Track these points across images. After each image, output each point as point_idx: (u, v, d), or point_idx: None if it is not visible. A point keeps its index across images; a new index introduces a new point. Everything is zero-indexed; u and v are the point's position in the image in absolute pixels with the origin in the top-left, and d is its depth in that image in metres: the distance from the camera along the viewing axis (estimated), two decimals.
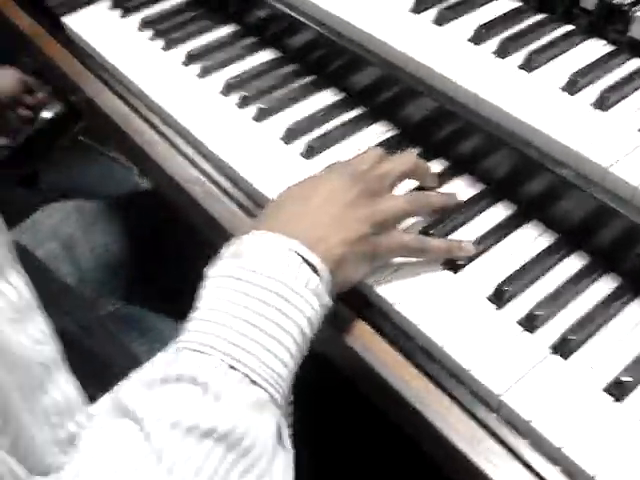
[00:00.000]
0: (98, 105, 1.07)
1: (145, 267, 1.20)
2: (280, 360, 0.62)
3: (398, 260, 0.78)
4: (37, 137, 1.51)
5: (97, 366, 0.86)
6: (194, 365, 0.60)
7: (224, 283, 0.65)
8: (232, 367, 0.60)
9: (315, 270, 0.67)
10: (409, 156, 0.83)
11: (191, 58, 1.07)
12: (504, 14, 0.94)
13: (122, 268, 1.18)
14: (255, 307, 0.63)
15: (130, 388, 0.61)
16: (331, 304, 0.69)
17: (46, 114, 1.51)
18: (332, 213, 0.73)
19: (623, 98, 0.82)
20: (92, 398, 0.67)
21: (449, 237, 0.81)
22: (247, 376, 0.60)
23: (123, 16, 1.19)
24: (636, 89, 0.83)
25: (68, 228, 1.17)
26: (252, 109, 0.98)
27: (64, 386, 0.62)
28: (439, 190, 0.86)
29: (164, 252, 1.20)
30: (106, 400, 0.66)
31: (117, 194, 1.74)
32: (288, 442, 0.63)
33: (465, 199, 0.84)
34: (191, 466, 0.55)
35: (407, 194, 0.81)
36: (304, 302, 0.65)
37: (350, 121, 0.95)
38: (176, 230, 1.15)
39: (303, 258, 0.67)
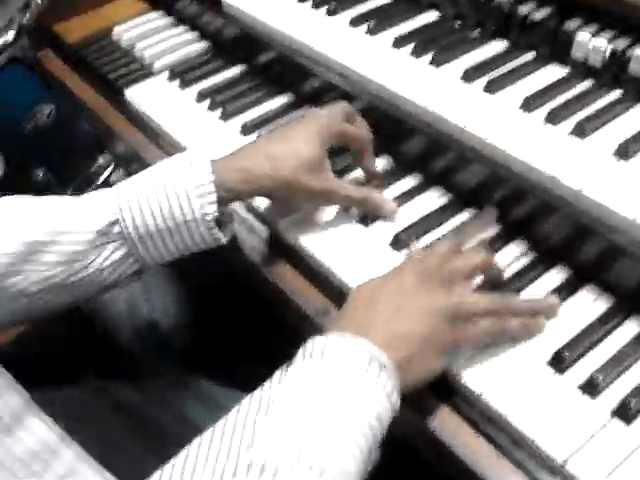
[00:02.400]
0: None
1: (205, 331, 1.22)
2: (354, 458, 0.63)
3: None
4: None
5: (156, 435, 0.88)
6: (265, 457, 0.61)
7: (304, 383, 0.67)
8: (310, 468, 0.61)
9: (389, 372, 0.69)
10: (478, 252, 0.82)
11: (248, 128, 1.11)
12: (552, 83, 0.96)
13: (181, 332, 1.20)
14: (333, 407, 0.65)
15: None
16: (399, 403, 0.70)
17: None
18: (405, 310, 0.74)
19: None
20: (151, 466, 0.70)
21: None
22: (323, 476, 0.61)
23: (181, 88, 1.24)
24: None
25: (128, 289, 1.20)
26: None
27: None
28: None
29: (224, 316, 1.22)
30: (178, 467, 0.69)
31: None
32: None
33: (521, 265, 0.86)
34: None
35: (492, 295, 0.80)
36: (379, 405, 0.67)
37: (408, 191, 0.98)
38: (235, 292, 1.18)
39: (379, 362, 0.68)
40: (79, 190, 1.96)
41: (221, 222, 0.87)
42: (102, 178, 1.65)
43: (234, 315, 1.19)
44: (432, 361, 0.74)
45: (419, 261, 0.79)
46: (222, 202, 0.86)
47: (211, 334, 1.15)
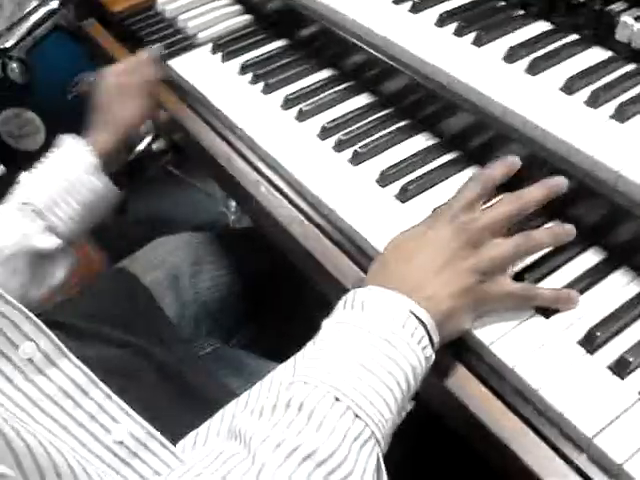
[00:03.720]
0: (202, 145, 1.14)
1: (247, 309, 1.24)
2: (385, 402, 0.66)
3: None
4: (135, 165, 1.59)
5: (194, 399, 0.91)
6: (303, 394, 0.64)
7: (342, 328, 0.71)
8: (337, 399, 0.64)
9: (424, 325, 0.72)
10: (509, 199, 0.83)
11: (289, 102, 1.13)
12: (595, 64, 0.97)
13: (222, 309, 1.23)
14: (367, 352, 0.68)
15: (243, 415, 0.66)
16: (434, 358, 0.73)
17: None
18: (437, 267, 0.76)
19: None
20: (189, 427, 0.73)
21: (541, 283, 0.83)
22: (351, 409, 0.64)
23: (223, 60, 1.26)
24: None
25: (176, 259, 1.22)
26: (348, 153, 1.03)
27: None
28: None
29: (266, 295, 1.25)
30: (214, 426, 0.72)
31: (204, 223, 1.80)
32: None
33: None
34: None
35: (513, 238, 0.81)
36: (413, 355, 0.70)
37: (444, 165, 0.99)
38: (278, 273, 1.20)
39: (415, 315, 0.72)
40: None
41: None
42: (142, 146, 1.67)
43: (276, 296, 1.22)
44: (464, 318, 0.77)
45: (450, 214, 0.80)
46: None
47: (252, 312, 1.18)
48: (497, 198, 0.84)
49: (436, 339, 0.73)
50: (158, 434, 0.71)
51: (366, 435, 0.64)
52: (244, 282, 1.25)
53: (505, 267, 0.81)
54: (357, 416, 0.64)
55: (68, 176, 1.08)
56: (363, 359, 0.67)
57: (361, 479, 0.62)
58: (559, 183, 0.84)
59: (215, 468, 0.60)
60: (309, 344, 0.72)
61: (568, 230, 0.84)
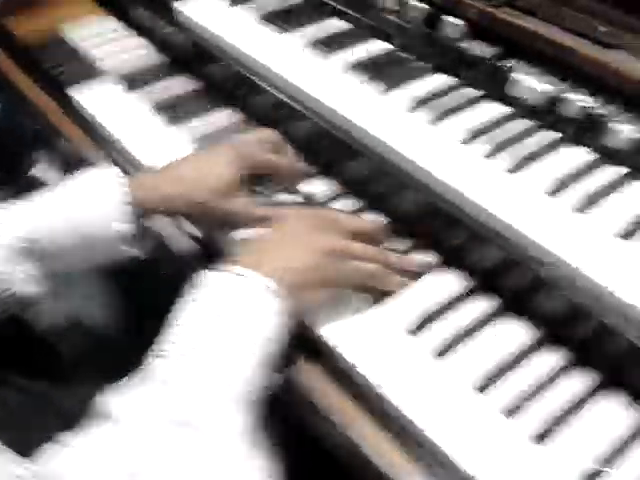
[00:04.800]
0: None
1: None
2: (250, 365, 0.72)
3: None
4: None
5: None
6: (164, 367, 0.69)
7: (194, 305, 0.75)
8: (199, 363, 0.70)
9: (277, 295, 0.78)
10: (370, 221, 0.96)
11: (195, 138, 1.13)
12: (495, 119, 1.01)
13: (121, 346, 1.20)
14: (222, 324, 0.74)
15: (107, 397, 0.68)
16: (288, 323, 0.79)
17: None
18: (287, 248, 0.84)
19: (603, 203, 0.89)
20: None
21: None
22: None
23: (127, 91, 1.25)
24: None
25: (74, 299, 1.19)
26: None
27: None
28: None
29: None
30: None
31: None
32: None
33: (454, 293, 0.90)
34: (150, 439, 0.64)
35: (367, 246, 0.89)
36: (272, 322, 0.76)
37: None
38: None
39: (267, 287, 0.77)
40: (26, 186, 1.94)
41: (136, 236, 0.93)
42: (42, 175, 1.64)
43: None
44: (316, 292, 0.84)
45: (314, 209, 0.95)
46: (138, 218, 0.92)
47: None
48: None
49: (285, 307, 0.78)
50: None
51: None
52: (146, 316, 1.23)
53: (351, 256, 0.86)
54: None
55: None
56: (223, 334, 0.73)
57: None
58: (423, 264, 0.93)
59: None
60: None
61: (419, 261, 0.93)
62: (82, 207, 0.89)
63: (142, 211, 0.92)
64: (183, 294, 0.76)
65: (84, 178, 0.93)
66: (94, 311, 1.20)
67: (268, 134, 1.03)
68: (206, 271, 0.78)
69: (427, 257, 0.94)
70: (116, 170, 0.94)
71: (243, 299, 0.76)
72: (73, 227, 0.88)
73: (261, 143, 1.01)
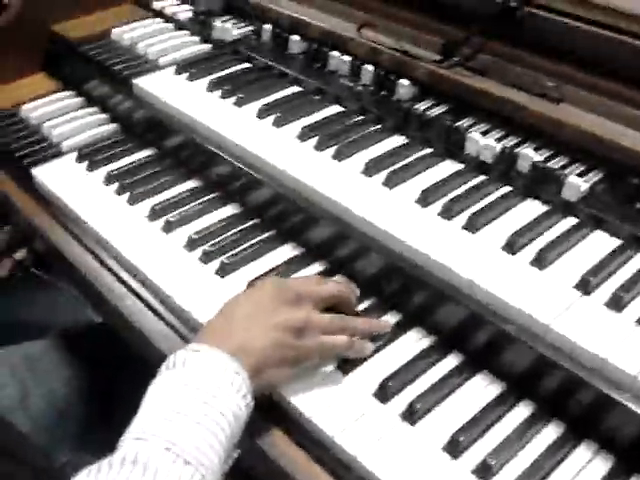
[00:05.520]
0: (66, 258, 1.12)
1: (99, 409, 1.21)
2: (211, 446, 0.71)
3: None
4: None
5: None
6: (135, 449, 0.69)
7: (165, 386, 0.76)
8: (168, 449, 0.69)
9: (242, 376, 0.77)
10: (337, 284, 0.94)
11: (155, 213, 1.13)
12: (447, 177, 1.03)
13: (73, 413, 1.19)
14: (190, 403, 0.73)
15: (81, 476, 0.68)
16: (253, 404, 0.78)
17: None
18: (253, 321, 0.83)
19: (559, 256, 0.90)
20: None
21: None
22: (180, 457, 0.68)
23: (89, 170, 1.25)
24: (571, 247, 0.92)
25: (20, 375, 1.19)
26: (215, 263, 1.03)
27: None
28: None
29: (117, 392, 1.22)
30: None
31: (67, 326, 1.74)
32: None
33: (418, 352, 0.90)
34: None
35: (332, 314, 0.89)
36: (233, 402, 0.75)
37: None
38: (129, 368, 1.18)
39: (233, 368, 0.77)
40: None
41: None
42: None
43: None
44: (280, 370, 0.83)
45: (279, 280, 0.91)
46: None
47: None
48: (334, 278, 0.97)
49: (248, 388, 0.77)
50: None
51: (197, 478, 0.68)
52: (92, 383, 1.23)
53: (317, 330, 0.86)
54: (187, 462, 0.68)
55: None
56: (187, 410, 0.72)
57: None
58: (383, 327, 0.92)
59: None
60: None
61: (384, 325, 0.92)
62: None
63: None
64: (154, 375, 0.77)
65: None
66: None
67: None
68: (176, 353, 0.78)
69: (390, 318, 0.94)
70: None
71: (205, 378, 0.75)
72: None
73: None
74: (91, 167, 1.25)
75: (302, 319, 0.85)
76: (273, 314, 0.84)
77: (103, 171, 1.23)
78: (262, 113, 1.18)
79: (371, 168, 1.04)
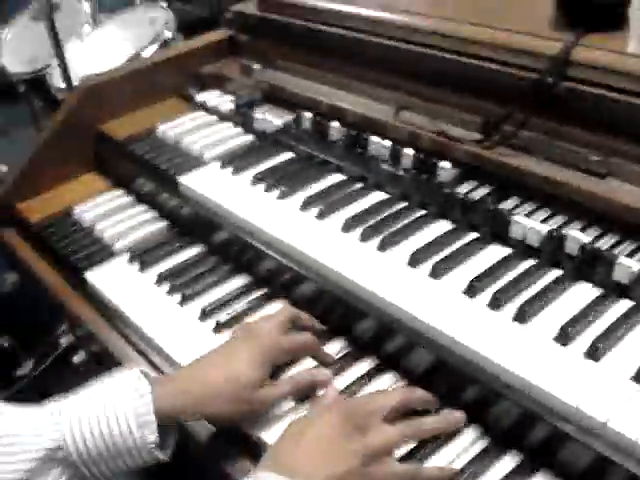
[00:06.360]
0: (118, 359, 1.14)
1: None
2: None
3: None
4: None
5: None
6: None
7: None
8: None
9: None
10: (401, 390, 0.92)
11: (207, 313, 1.14)
12: (494, 264, 1.01)
13: None
14: None
15: None
16: None
17: None
18: (322, 449, 0.81)
19: (615, 343, 0.87)
20: None
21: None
22: None
23: (141, 270, 1.27)
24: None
25: None
26: None
27: None
28: None
29: None
30: None
31: None
32: None
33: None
34: None
35: (400, 426, 0.86)
36: None
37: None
38: None
39: None
40: (43, 357, 1.98)
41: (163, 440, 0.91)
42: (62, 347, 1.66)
43: None
44: None
45: (344, 403, 0.87)
46: (163, 425, 0.90)
47: None
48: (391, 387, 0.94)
49: None
50: None
51: None
52: None
53: (390, 451, 0.84)
54: None
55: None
56: None
57: None
58: (457, 420, 0.89)
59: None
60: None
61: (459, 418, 0.89)
62: (107, 420, 0.87)
63: (167, 419, 0.90)
64: None
65: (112, 386, 0.91)
66: None
67: (284, 314, 1.02)
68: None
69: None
70: (139, 380, 0.91)
71: None
72: (99, 437, 0.87)
73: (279, 326, 0.99)
74: (142, 268, 1.27)
75: (375, 443, 0.82)
76: (343, 440, 0.82)
77: (154, 271, 1.26)
78: (305, 206, 1.19)
79: (416, 259, 1.03)
